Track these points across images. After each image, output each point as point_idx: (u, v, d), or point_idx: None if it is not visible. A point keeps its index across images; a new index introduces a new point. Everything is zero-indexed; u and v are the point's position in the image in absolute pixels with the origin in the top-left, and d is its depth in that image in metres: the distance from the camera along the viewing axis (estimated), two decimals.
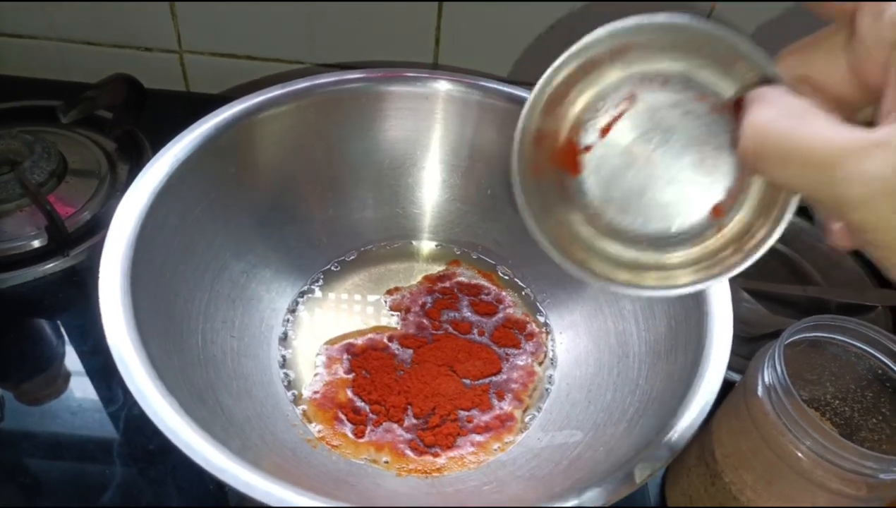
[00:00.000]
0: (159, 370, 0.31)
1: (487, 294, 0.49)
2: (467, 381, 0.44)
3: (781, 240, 0.63)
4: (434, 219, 0.51)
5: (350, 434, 0.40)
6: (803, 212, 0.63)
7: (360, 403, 0.42)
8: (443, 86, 0.46)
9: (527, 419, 0.42)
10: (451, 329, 0.46)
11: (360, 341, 0.45)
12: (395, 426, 0.41)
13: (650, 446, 0.31)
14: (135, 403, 0.43)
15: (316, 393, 0.42)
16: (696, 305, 0.37)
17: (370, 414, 0.42)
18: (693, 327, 0.36)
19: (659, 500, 0.44)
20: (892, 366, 0.41)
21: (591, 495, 0.29)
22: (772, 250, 0.66)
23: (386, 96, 0.46)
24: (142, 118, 0.59)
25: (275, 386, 0.41)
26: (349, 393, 0.42)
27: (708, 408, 0.32)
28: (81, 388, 0.46)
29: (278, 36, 0.61)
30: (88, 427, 0.44)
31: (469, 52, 0.60)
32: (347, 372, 0.44)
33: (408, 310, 0.47)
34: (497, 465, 0.39)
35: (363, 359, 0.44)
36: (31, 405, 0.45)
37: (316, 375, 0.43)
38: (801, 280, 0.59)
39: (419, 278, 0.50)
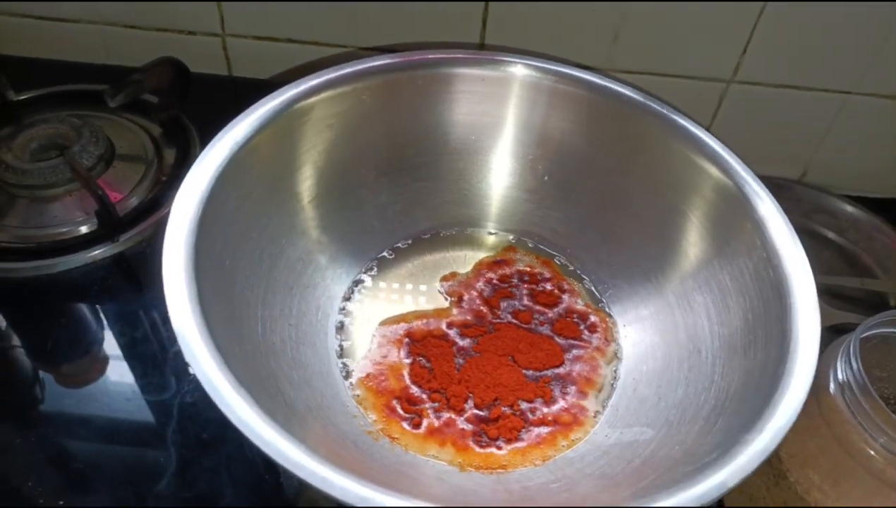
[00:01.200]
0: (226, 358, 0.30)
1: (547, 282, 0.48)
2: (529, 373, 0.42)
3: (837, 230, 0.63)
4: (490, 207, 0.50)
5: (407, 426, 0.39)
6: (860, 200, 0.61)
7: (417, 391, 0.41)
8: (519, 70, 0.45)
9: (593, 414, 0.41)
10: (511, 318, 0.45)
11: (417, 325, 0.44)
12: (456, 417, 0.40)
13: (737, 448, 0.30)
14: (188, 391, 0.44)
15: (369, 377, 0.41)
16: (776, 298, 0.36)
17: (428, 403, 0.41)
18: (774, 321, 0.35)
19: (716, 501, 0.43)
20: None
21: (680, 499, 0.27)
22: (827, 241, 0.65)
23: (448, 79, 0.45)
24: (186, 102, 0.58)
25: (333, 376, 0.41)
26: (406, 380, 0.41)
27: (800, 407, 0.31)
28: (132, 375, 0.45)
29: (320, 19, 0.60)
30: (142, 414, 0.44)
31: (516, 33, 0.58)
32: (406, 357, 0.43)
33: (463, 298, 0.46)
34: (564, 462, 0.38)
35: (422, 346, 0.43)
36: (78, 388, 0.45)
37: (367, 358, 0.43)
38: (859, 272, 0.58)
39: (473, 265, 0.49)
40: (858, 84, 0.58)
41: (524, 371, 0.42)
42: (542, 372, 0.43)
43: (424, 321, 0.45)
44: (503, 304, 0.46)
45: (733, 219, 0.40)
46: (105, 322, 0.48)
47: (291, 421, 0.33)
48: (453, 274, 0.48)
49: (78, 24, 0.63)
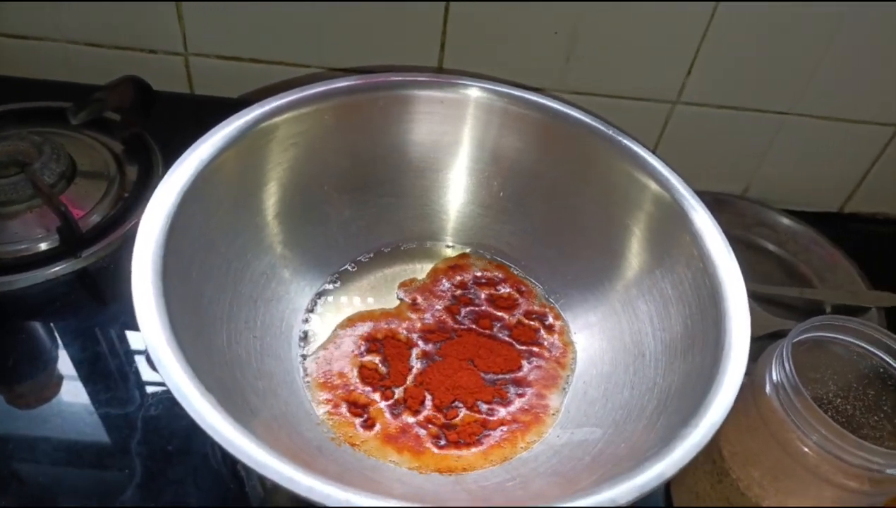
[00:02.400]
0: (195, 370, 0.31)
1: (504, 283, 0.50)
2: (488, 376, 0.44)
3: (777, 242, 0.65)
4: (448, 221, 0.52)
5: (359, 428, 0.41)
6: (799, 215, 0.64)
7: (366, 390, 0.43)
8: (473, 92, 0.47)
9: (553, 413, 0.43)
10: (472, 324, 0.47)
11: (377, 327, 0.46)
12: (412, 419, 0.41)
13: (676, 442, 0.32)
14: (152, 404, 0.44)
15: (322, 378, 0.43)
16: (712, 305, 0.38)
17: (381, 402, 0.42)
18: (711, 326, 0.37)
19: (664, 498, 0.45)
20: (894, 365, 0.43)
21: (623, 489, 0.30)
22: (767, 253, 0.67)
23: (408, 100, 0.47)
24: (148, 120, 0.59)
25: (297, 385, 0.42)
26: (354, 380, 0.43)
27: (731, 404, 0.33)
28: (96, 390, 0.45)
29: (284, 39, 0.61)
30: (105, 428, 0.44)
31: (473, 56, 0.60)
32: (361, 356, 0.44)
33: (418, 301, 0.48)
34: (519, 462, 0.40)
35: (380, 345, 0.45)
36: (39, 407, 0.45)
37: (321, 359, 0.44)
38: (798, 282, 0.61)
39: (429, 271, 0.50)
40: (795, 105, 0.61)
41: (483, 375, 0.44)
42: (501, 376, 0.44)
43: (385, 321, 0.47)
44: (463, 310, 0.48)
45: (673, 231, 0.43)
46: (68, 338, 0.48)
47: (258, 430, 0.35)
48: (412, 280, 0.50)
49: (40, 41, 0.63)
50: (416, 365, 0.45)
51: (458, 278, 0.50)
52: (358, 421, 0.41)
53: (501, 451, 0.41)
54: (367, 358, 0.45)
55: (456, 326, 0.47)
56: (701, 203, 0.42)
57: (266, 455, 0.28)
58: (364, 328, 0.46)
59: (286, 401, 0.40)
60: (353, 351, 0.45)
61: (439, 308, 0.48)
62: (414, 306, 0.48)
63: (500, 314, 0.48)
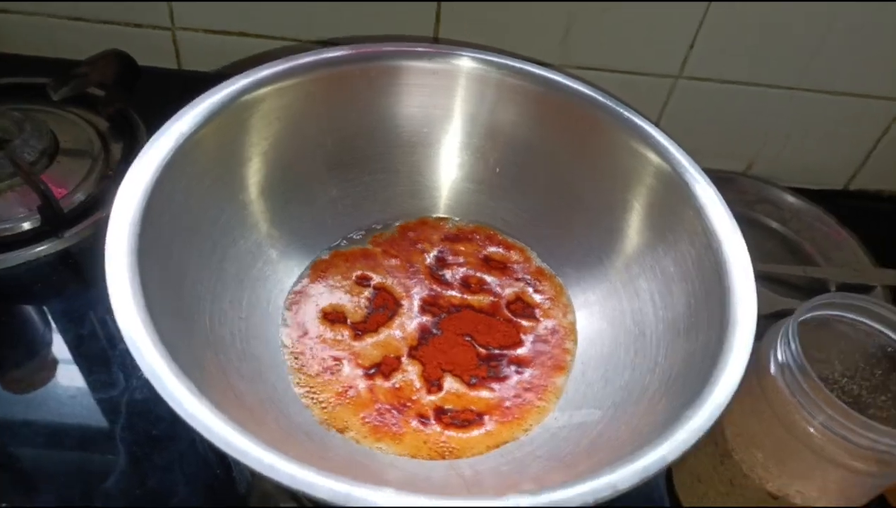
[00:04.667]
0: (172, 352, 0.30)
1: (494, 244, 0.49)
2: (484, 351, 0.43)
3: (780, 220, 0.64)
4: (441, 198, 0.51)
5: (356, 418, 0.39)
6: (803, 192, 0.63)
7: (362, 374, 0.42)
8: (465, 63, 0.46)
9: (556, 397, 0.42)
10: (458, 292, 0.46)
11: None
12: (408, 406, 0.40)
13: (678, 424, 0.31)
14: (137, 388, 0.43)
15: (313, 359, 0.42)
16: (717, 282, 0.37)
17: (377, 382, 0.41)
18: (715, 304, 0.36)
19: (664, 481, 0.44)
20: None
21: (623, 474, 0.28)
22: (771, 231, 0.66)
23: (399, 72, 0.45)
24: (134, 96, 0.57)
25: (285, 368, 0.40)
26: (352, 372, 0.42)
27: (737, 385, 0.32)
28: (79, 373, 0.44)
29: (272, 12, 0.60)
30: (88, 413, 0.43)
31: (470, 30, 0.59)
32: (353, 339, 0.43)
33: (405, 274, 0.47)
34: (514, 446, 0.39)
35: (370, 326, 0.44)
36: (24, 392, 0.44)
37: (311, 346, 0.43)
38: (802, 260, 0.60)
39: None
40: (801, 80, 0.59)
41: (481, 349, 0.43)
42: (499, 351, 0.43)
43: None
44: (447, 275, 0.47)
45: (675, 206, 0.41)
46: (50, 320, 0.47)
47: (242, 414, 0.33)
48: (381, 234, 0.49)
49: (22, 15, 0.61)
50: (410, 327, 0.43)
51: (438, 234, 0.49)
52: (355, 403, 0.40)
53: (498, 434, 0.40)
54: (357, 344, 0.43)
55: (438, 289, 0.46)
56: (705, 176, 0.41)
57: (245, 442, 0.27)
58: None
59: (273, 385, 0.38)
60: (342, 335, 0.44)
61: (421, 277, 0.47)
62: (386, 253, 0.47)
63: (493, 279, 0.47)
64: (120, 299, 0.30)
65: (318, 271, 0.46)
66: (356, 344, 0.43)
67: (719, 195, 0.40)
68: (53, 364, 0.45)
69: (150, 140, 0.37)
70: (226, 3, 0.59)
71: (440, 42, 0.60)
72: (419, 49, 0.46)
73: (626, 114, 0.44)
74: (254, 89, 0.42)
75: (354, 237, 0.49)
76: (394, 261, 0.47)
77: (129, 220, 0.34)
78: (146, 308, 0.31)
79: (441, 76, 0.46)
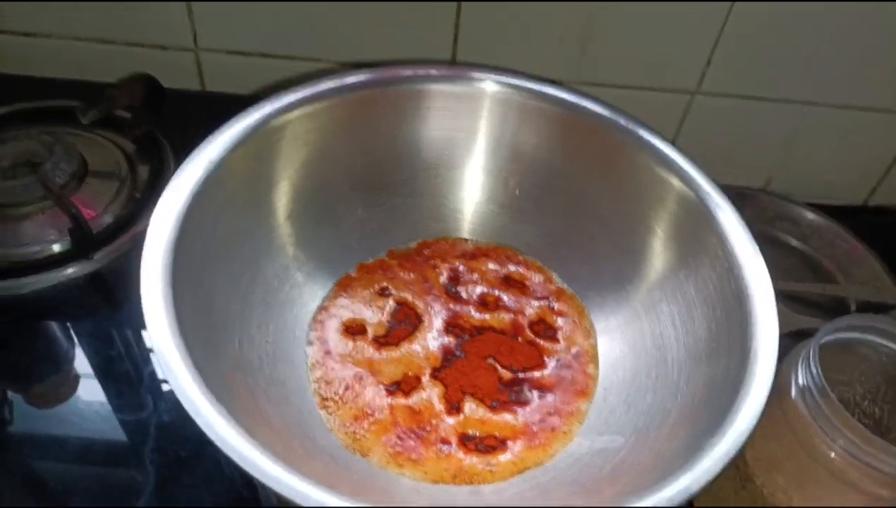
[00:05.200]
0: (205, 378, 0.31)
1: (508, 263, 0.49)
2: (507, 373, 0.43)
3: (800, 237, 0.64)
4: (465, 221, 0.51)
5: (381, 442, 0.40)
6: (822, 208, 0.63)
7: (383, 393, 0.42)
8: (489, 86, 0.46)
9: (580, 423, 0.42)
10: (477, 312, 0.46)
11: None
12: (430, 430, 0.41)
13: (702, 453, 0.31)
14: (165, 409, 0.44)
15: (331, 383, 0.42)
16: (737, 307, 0.37)
17: (398, 401, 0.41)
18: (736, 330, 0.36)
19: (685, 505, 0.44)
20: None
21: (651, 500, 0.29)
22: (790, 248, 0.66)
23: (422, 95, 0.46)
24: (159, 118, 0.58)
25: (308, 391, 0.41)
26: (373, 390, 0.42)
27: (760, 414, 0.32)
28: (109, 394, 0.45)
29: (295, 33, 0.60)
30: (118, 432, 0.44)
31: (487, 48, 0.59)
32: (375, 351, 0.44)
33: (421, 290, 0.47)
34: (539, 471, 0.39)
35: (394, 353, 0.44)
36: (52, 408, 0.45)
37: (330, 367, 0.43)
38: (821, 278, 0.60)
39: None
40: (819, 94, 0.59)
41: (502, 374, 0.43)
42: (522, 374, 0.43)
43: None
44: (464, 293, 0.47)
45: (697, 230, 0.41)
46: (79, 341, 0.48)
47: (270, 438, 0.34)
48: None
49: (49, 38, 0.62)
50: (433, 347, 0.44)
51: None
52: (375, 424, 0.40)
53: (523, 460, 0.40)
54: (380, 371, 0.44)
55: (455, 307, 0.46)
56: (727, 200, 0.41)
57: (274, 467, 0.28)
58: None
59: (299, 409, 0.39)
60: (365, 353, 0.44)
61: (437, 294, 0.47)
62: (402, 266, 0.48)
63: (511, 299, 0.47)
64: (156, 331, 0.31)
65: (342, 286, 0.47)
66: (377, 357, 0.43)
67: (741, 220, 0.40)
68: (82, 383, 0.46)
69: (180, 167, 0.38)
70: (246, 25, 0.60)
71: (458, 60, 0.60)
72: (442, 72, 0.46)
73: (649, 137, 0.44)
74: (280, 114, 0.42)
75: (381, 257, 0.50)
76: (410, 275, 0.48)
77: (162, 249, 0.34)
78: (181, 335, 0.32)
79: (464, 99, 0.46)
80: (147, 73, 0.57)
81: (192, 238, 0.36)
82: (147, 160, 0.57)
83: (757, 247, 0.39)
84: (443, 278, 0.48)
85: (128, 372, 0.46)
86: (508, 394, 0.42)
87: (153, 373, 0.46)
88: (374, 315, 0.46)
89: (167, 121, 0.59)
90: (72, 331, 0.48)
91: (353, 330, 0.45)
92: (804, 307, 0.55)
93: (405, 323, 0.45)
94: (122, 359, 0.47)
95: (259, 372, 0.38)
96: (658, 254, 0.44)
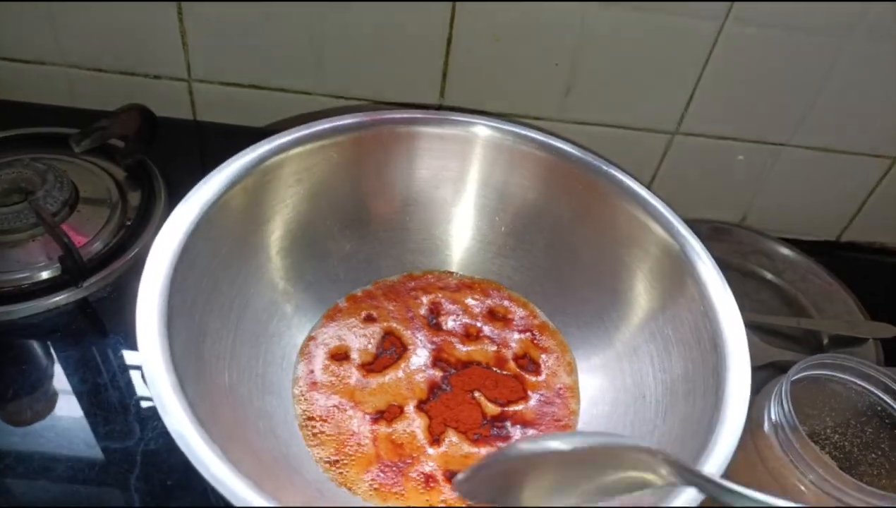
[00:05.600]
0: (199, 416, 0.31)
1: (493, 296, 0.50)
2: (492, 405, 0.45)
3: (775, 271, 0.65)
4: (451, 256, 0.52)
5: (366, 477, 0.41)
6: (797, 243, 0.65)
7: (367, 422, 0.43)
8: (481, 130, 0.48)
9: None
10: (461, 343, 0.47)
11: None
12: (412, 462, 0.41)
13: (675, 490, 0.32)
14: (152, 438, 0.44)
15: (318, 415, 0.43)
16: (712, 349, 0.38)
17: (381, 429, 0.42)
18: (710, 371, 0.38)
19: None
20: (892, 404, 0.43)
21: None
22: (765, 282, 0.67)
23: (416, 137, 0.47)
24: (152, 148, 0.59)
25: (295, 424, 0.42)
26: (358, 421, 0.43)
27: (731, 454, 0.33)
28: (96, 422, 0.45)
29: (286, 66, 0.61)
30: (104, 461, 0.43)
31: (475, 87, 0.61)
32: (361, 377, 0.45)
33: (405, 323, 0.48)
34: None
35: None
36: (38, 434, 0.44)
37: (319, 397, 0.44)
38: (795, 311, 0.61)
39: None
40: (792, 137, 0.62)
41: (486, 408, 0.44)
42: (506, 408, 0.45)
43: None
44: (445, 323, 0.48)
45: (675, 274, 0.43)
46: (67, 368, 0.48)
47: (260, 473, 0.35)
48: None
49: (42, 66, 0.63)
50: (418, 378, 0.45)
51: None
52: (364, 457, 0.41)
53: None
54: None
55: (433, 339, 0.47)
56: (703, 246, 0.43)
57: (265, 503, 0.28)
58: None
59: (286, 442, 0.40)
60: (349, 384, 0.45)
61: (420, 326, 0.48)
62: (386, 296, 0.50)
63: (496, 331, 0.48)
64: (152, 370, 0.32)
65: (329, 317, 0.48)
66: (363, 384, 0.45)
67: (717, 267, 0.42)
68: (68, 410, 0.45)
69: (177, 207, 0.39)
70: (240, 56, 0.61)
71: (447, 96, 0.62)
72: (434, 116, 0.48)
73: (630, 183, 0.46)
74: (276, 154, 0.44)
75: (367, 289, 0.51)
76: (393, 306, 0.49)
77: (158, 288, 0.35)
78: (175, 373, 0.32)
79: (454, 141, 0.48)
80: (141, 105, 0.58)
81: (186, 276, 0.37)
82: (137, 187, 0.58)
83: (731, 293, 0.41)
84: (422, 310, 0.49)
85: (116, 401, 0.46)
86: (490, 429, 0.44)
87: (141, 401, 0.46)
88: (361, 342, 0.47)
89: (158, 149, 0.59)
90: (61, 360, 0.48)
91: (340, 356, 0.46)
92: (778, 339, 0.57)
93: (391, 351, 0.46)
94: (110, 388, 0.47)
95: (248, 407, 0.39)
96: (639, 294, 0.45)
